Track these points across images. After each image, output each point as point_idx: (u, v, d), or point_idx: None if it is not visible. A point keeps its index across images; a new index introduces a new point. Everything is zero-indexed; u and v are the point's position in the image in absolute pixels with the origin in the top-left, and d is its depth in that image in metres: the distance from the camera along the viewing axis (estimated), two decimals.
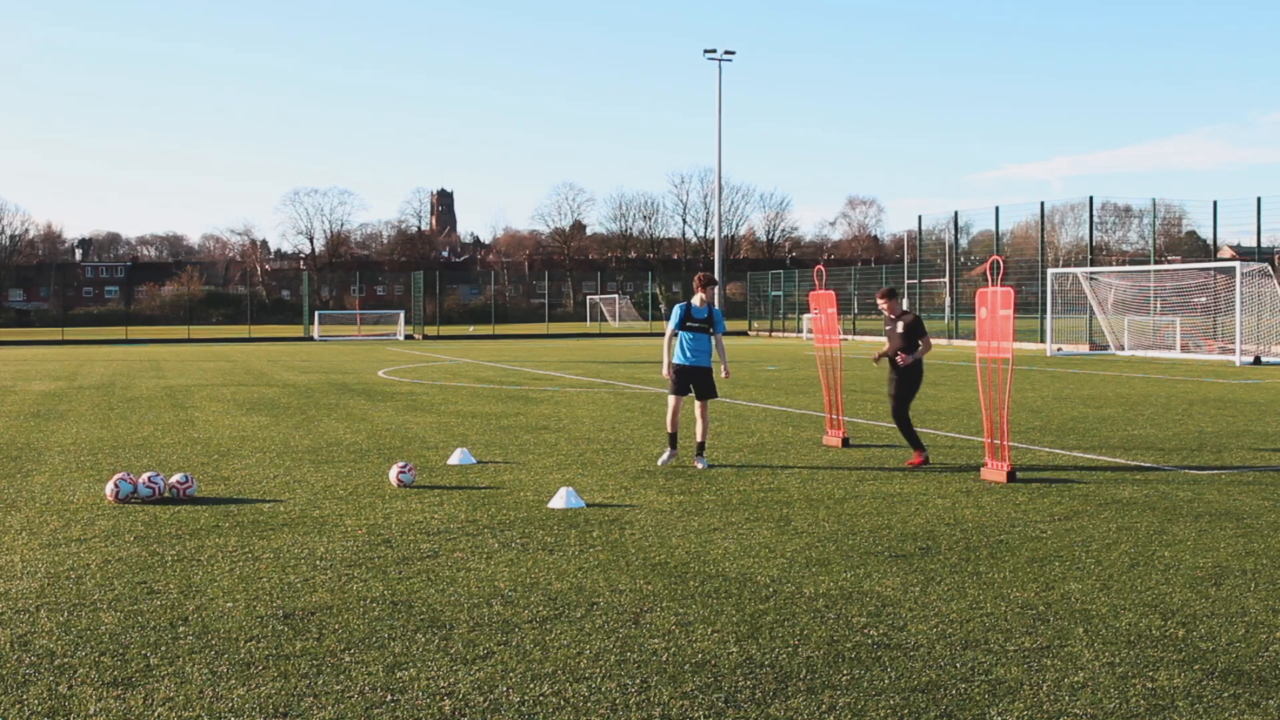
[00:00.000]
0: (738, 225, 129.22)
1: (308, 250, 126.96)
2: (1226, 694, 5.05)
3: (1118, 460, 12.18)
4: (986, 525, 8.72)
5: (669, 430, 12.07)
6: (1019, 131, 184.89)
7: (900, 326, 12.13)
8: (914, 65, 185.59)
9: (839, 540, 8.20)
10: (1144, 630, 5.99)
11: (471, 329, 73.50)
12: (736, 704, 4.97)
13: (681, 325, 12.09)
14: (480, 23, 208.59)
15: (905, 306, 12.37)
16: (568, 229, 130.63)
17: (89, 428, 16.21)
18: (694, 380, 12.09)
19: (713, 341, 12.22)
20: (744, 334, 66.30)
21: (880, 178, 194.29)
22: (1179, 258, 55.24)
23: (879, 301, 12.47)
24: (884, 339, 12.59)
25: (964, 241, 54.14)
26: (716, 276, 73.57)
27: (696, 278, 12.34)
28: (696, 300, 12.19)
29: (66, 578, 7.26)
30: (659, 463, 11.98)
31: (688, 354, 12.07)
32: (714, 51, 70.95)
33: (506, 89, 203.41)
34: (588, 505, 9.60)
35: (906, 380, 12.12)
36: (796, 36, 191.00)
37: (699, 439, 11.98)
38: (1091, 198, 46.74)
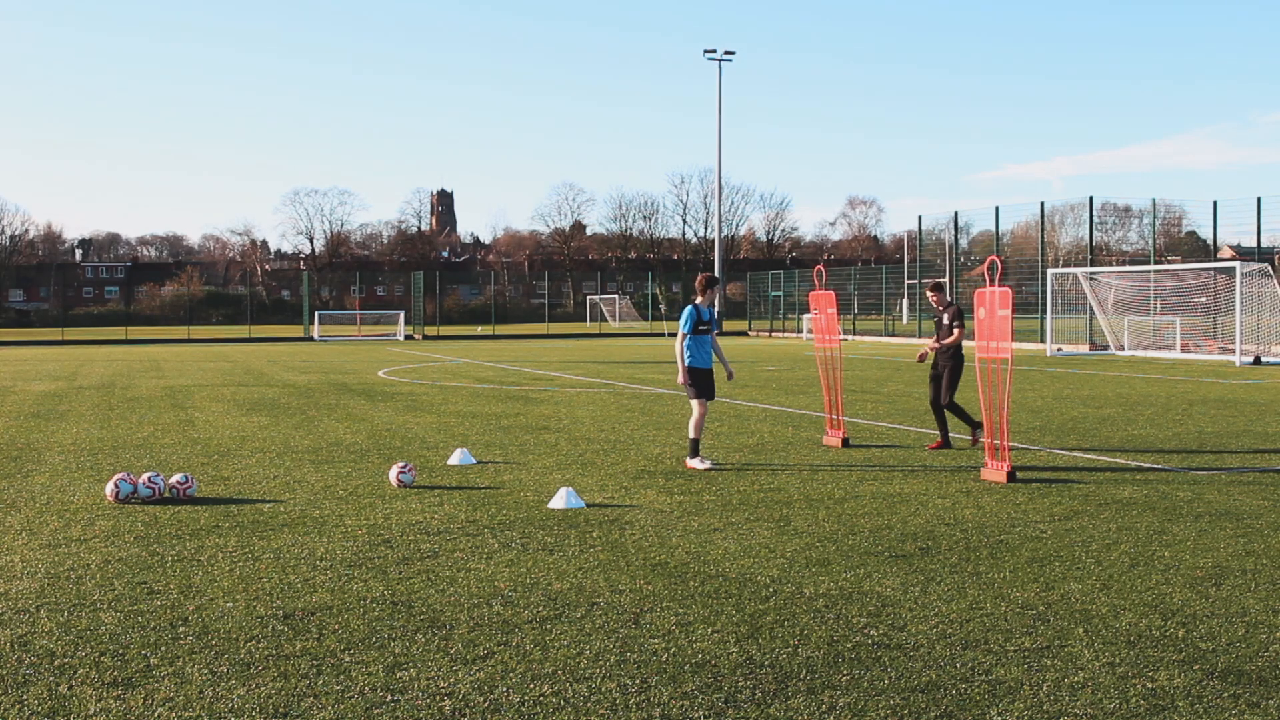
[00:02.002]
0: (738, 225, 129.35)
1: (308, 250, 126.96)
2: (1226, 694, 5.05)
3: (1118, 460, 12.18)
4: (986, 525, 8.72)
5: (695, 436, 11.76)
6: (1019, 132, 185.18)
7: (945, 317, 13.24)
8: (914, 65, 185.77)
9: (839, 540, 8.20)
10: (1144, 630, 5.99)
11: (480, 329, 73.65)
12: (737, 704, 4.97)
13: (693, 329, 11.93)
14: (480, 23, 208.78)
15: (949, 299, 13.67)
16: (568, 229, 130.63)
17: (89, 428, 16.21)
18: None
19: (714, 342, 12.19)
20: (744, 334, 66.29)
21: (880, 178, 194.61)
22: (1179, 258, 55.26)
23: (929, 295, 13.52)
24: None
25: (964, 242, 54.15)
26: (716, 276, 73.73)
27: (700, 279, 12.11)
28: (702, 301, 12.05)
29: (66, 578, 7.26)
30: (702, 468, 11.61)
31: (699, 356, 11.96)
32: (714, 52, 70.94)
33: (506, 89, 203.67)
34: (588, 505, 9.60)
35: (952, 368, 13.06)
36: (796, 37, 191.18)
37: (695, 436, 11.78)
38: (1091, 198, 46.77)
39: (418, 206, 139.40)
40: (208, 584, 7.07)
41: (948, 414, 13.30)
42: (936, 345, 13.32)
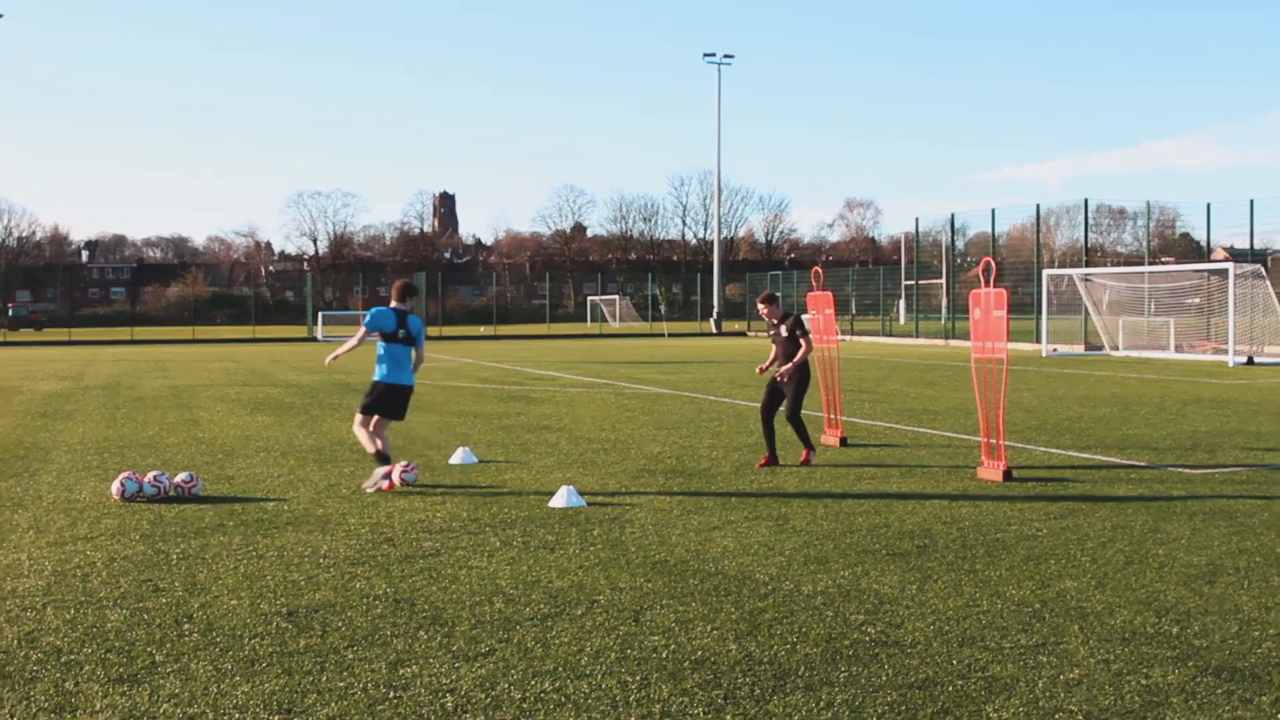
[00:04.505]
0: (737, 227, 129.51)
1: (311, 252, 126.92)
2: (1220, 690, 5.10)
3: (1113, 459, 12.23)
4: (983, 524, 8.77)
5: (380, 449, 10.38)
6: (1016, 133, 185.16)
7: (784, 330, 12.13)
8: (912, 68, 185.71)
9: (837, 538, 8.26)
10: (1139, 627, 6.04)
11: (482, 329, 73.84)
12: (736, 701, 5.02)
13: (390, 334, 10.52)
14: (482, 25, 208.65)
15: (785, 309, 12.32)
16: (568, 230, 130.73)
17: (95, 427, 16.26)
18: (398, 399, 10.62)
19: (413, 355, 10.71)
20: (743, 335, 66.35)
21: (878, 180, 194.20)
22: (1173, 259, 55.32)
23: (760, 306, 12.34)
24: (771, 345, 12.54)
25: (960, 243, 54.13)
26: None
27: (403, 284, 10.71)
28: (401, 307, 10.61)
29: (73, 575, 7.32)
30: (371, 486, 10.36)
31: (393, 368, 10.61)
32: (713, 55, 71.32)
33: (508, 92, 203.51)
34: (588, 504, 9.65)
35: (798, 381, 12.01)
36: (795, 40, 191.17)
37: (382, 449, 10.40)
38: (1086, 200, 46.62)
39: (420, 208, 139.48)
40: (212, 582, 7.13)
41: (791, 428, 12.20)
42: (780, 368, 12.09)
